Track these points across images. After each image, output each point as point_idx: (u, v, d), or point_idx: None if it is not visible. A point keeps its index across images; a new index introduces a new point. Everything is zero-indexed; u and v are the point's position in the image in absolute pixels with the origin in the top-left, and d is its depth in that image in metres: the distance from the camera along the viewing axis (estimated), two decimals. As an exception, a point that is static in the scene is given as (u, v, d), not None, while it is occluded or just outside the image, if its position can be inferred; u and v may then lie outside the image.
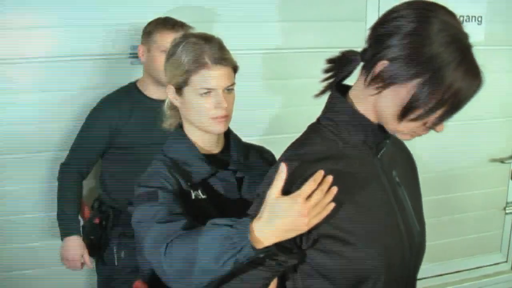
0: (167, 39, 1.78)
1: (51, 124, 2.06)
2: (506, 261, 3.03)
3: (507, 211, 2.93)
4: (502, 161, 2.82)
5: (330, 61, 1.04)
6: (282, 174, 0.94)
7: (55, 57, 2.01)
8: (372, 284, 1.00)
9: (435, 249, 2.71)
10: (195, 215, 1.22)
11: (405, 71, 0.91)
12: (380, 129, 1.02)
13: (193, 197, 1.28)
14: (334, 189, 0.94)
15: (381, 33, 0.94)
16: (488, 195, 2.86)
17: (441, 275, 2.85)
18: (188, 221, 1.17)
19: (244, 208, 1.13)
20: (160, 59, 1.77)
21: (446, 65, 0.88)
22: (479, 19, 2.54)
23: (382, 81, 0.94)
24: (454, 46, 0.89)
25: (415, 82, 0.91)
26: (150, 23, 1.90)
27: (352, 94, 1.04)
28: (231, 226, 1.02)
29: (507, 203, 2.92)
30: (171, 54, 1.30)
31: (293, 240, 0.98)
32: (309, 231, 0.97)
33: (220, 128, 1.29)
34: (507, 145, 2.84)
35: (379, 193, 1.03)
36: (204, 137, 1.34)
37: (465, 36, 0.91)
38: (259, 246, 0.98)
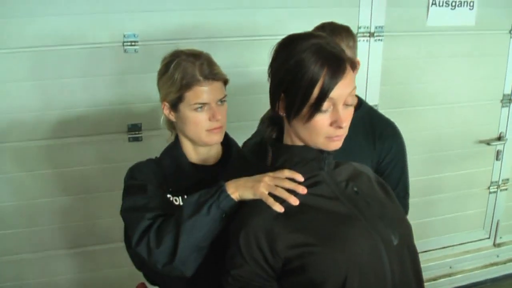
0: None
1: (45, 112, 2.07)
2: (489, 238, 3.13)
3: (491, 190, 3.02)
4: (488, 143, 2.89)
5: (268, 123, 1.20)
6: None
7: (49, 46, 2.00)
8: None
9: (423, 226, 2.83)
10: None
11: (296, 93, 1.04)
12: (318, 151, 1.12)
13: (171, 199, 1.34)
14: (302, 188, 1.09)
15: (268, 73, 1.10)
16: (474, 175, 2.93)
17: (427, 251, 2.95)
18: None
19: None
20: None
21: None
22: (471, 4, 2.57)
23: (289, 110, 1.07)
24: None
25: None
26: None
27: (285, 138, 1.16)
28: (205, 190, 1.18)
29: (491, 182, 3.01)
30: (163, 72, 1.34)
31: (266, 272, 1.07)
32: (276, 255, 1.05)
33: (216, 139, 1.36)
34: (494, 128, 2.90)
35: (339, 207, 1.11)
36: (197, 149, 1.40)
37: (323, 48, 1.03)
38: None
